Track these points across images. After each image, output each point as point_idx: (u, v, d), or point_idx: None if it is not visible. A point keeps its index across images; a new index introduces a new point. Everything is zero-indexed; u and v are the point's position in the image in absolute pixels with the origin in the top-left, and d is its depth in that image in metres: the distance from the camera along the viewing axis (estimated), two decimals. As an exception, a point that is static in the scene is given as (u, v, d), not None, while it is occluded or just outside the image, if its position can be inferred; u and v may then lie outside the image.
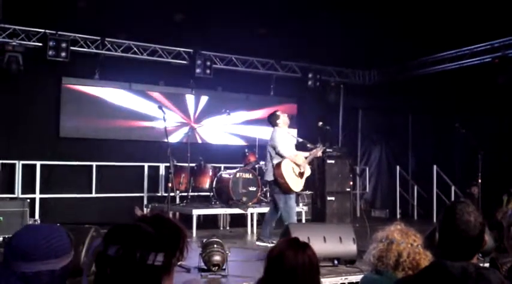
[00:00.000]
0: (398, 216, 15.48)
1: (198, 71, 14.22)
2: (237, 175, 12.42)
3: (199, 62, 14.28)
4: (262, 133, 10.11)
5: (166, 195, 11.80)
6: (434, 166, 15.03)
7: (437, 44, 14.34)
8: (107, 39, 13.49)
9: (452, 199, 13.96)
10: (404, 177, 16.48)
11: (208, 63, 14.42)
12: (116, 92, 14.06)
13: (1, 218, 10.31)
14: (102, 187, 13.29)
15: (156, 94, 14.35)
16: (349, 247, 8.12)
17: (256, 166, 12.89)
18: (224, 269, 7.41)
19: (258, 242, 9.85)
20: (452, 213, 2.71)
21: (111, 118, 14.01)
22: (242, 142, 15.20)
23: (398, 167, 16.42)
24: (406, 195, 16.32)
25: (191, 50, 14.38)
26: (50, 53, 12.55)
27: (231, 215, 12.88)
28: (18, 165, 12.40)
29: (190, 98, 14.87)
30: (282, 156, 9.63)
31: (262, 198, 12.75)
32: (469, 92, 14.51)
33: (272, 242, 9.00)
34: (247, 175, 12.40)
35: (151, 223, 2.77)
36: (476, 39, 13.76)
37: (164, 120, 9.81)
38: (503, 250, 3.36)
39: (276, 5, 12.53)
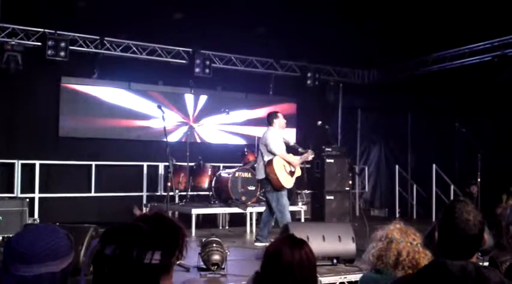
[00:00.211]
0: (397, 215, 15.46)
1: (197, 70, 14.23)
2: (236, 174, 12.43)
3: (198, 61, 14.28)
4: (262, 132, 10.09)
5: (165, 194, 11.80)
6: (434, 166, 15.04)
7: (436, 43, 14.33)
8: (106, 38, 13.50)
9: (452, 198, 13.94)
10: (404, 176, 16.47)
11: (208, 63, 14.43)
12: (115, 92, 14.06)
13: (0, 217, 10.31)
14: (101, 187, 13.29)
15: (155, 94, 14.35)
16: (349, 246, 8.12)
17: (255, 165, 12.89)
18: (223, 268, 7.41)
19: (256, 243, 9.85)
20: (451, 211, 2.71)
21: (110, 117, 14.00)
22: (241, 142, 15.19)
23: (397, 166, 16.42)
24: (405, 194, 16.32)
25: (190, 50, 14.38)
26: (49, 52, 12.55)
27: (230, 214, 12.89)
28: (18, 164, 12.39)
29: (189, 97, 14.86)
30: (273, 154, 9.69)
31: (261, 197, 12.74)
32: (469, 91, 14.51)
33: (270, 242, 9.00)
34: (246, 175, 12.40)
35: (150, 222, 2.77)
36: (476, 38, 13.76)
37: (163, 119, 9.81)
38: (503, 247, 3.35)
39: (275, 4, 12.52)
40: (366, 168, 17.72)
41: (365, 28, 13.56)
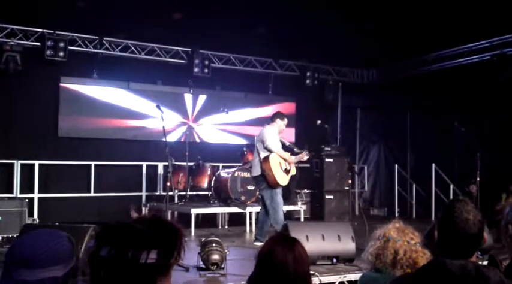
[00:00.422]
0: (396, 215, 15.46)
1: (196, 70, 14.23)
2: (236, 174, 12.43)
3: (197, 61, 14.29)
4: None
5: (164, 194, 11.79)
6: (433, 165, 15.04)
7: (435, 42, 14.32)
8: (104, 38, 13.49)
9: (451, 197, 13.94)
10: (403, 175, 16.48)
11: (207, 62, 14.43)
12: (114, 91, 14.05)
13: (0, 218, 10.30)
14: (101, 187, 13.29)
15: (154, 94, 14.33)
16: (348, 245, 8.12)
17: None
18: (223, 268, 7.41)
19: (255, 243, 9.86)
20: (451, 211, 2.70)
21: (110, 117, 14.00)
22: (240, 141, 15.18)
23: (396, 166, 16.43)
24: (404, 193, 16.32)
25: (189, 49, 14.38)
26: (48, 52, 12.55)
27: (230, 214, 12.89)
28: (17, 164, 12.39)
29: (188, 97, 14.85)
30: (269, 150, 9.72)
31: (260, 196, 12.74)
32: (468, 91, 14.51)
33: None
34: (246, 174, 12.38)
35: (147, 224, 2.77)
36: (475, 37, 13.75)
37: (162, 119, 9.81)
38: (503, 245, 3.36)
39: (274, 4, 12.51)
40: (365, 167, 17.73)
41: (364, 28, 13.54)
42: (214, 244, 7.50)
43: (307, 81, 15.95)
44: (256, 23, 13.28)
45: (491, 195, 11.98)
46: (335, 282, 7.45)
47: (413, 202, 16.03)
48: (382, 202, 17.48)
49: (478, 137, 11.89)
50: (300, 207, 12.99)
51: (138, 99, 14.25)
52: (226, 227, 12.91)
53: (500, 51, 13.39)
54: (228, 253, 7.57)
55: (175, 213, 12.14)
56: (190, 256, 7.28)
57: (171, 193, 12.17)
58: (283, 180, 9.81)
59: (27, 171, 12.57)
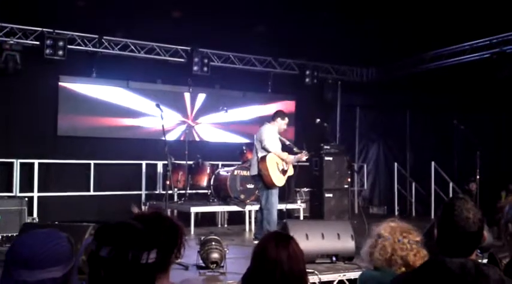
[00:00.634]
0: (396, 213, 15.46)
1: (195, 68, 14.22)
2: (235, 172, 12.43)
3: (196, 59, 14.28)
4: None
5: (164, 192, 11.80)
6: (433, 163, 15.04)
7: (435, 41, 14.32)
8: (104, 37, 13.49)
9: (451, 195, 13.94)
10: (403, 173, 16.48)
11: (206, 61, 14.42)
12: (113, 90, 14.04)
13: (-1, 217, 10.33)
14: (100, 186, 13.28)
15: (153, 93, 14.31)
16: (347, 243, 8.13)
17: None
18: (222, 266, 7.42)
19: (254, 241, 9.84)
20: (451, 209, 2.70)
21: (109, 116, 13.99)
22: (240, 140, 15.16)
23: (396, 164, 16.43)
24: (404, 191, 16.32)
25: (189, 48, 14.37)
26: (47, 51, 12.54)
27: (229, 212, 12.90)
28: (16, 163, 12.38)
29: (187, 96, 14.85)
30: (267, 150, 9.67)
31: (259, 195, 12.74)
32: (468, 89, 14.51)
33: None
34: (245, 173, 12.38)
35: (148, 221, 2.77)
36: (474, 35, 13.75)
37: (162, 118, 9.82)
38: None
39: (274, 3, 12.51)
40: (365, 166, 17.74)
41: (363, 26, 13.53)
42: (213, 243, 7.51)
43: (307, 80, 15.94)
44: (255, 22, 13.26)
45: (490, 193, 12.02)
46: (334, 280, 7.46)
47: (413, 200, 16.04)
48: (381, 200, 17.48)
49: (477, 135, 11.90)
50: (300, 206, 13.00)
51: (138, 97, 14.24)
52: (226, 225, 12.92)
53: (500, 49, 13.38)
54: (227, 251, 7.58)
55: (175, 211, 12.13)
56: (190, 254, 7.29)
57: (170, 191, 12.18)
58: (279, 180, 9.75)
59: (26, 170, 12.57)
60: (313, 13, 12.90)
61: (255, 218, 11.75)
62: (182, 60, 14.47)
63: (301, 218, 12.81)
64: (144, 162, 13.81)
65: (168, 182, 11.18)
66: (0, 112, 12.65)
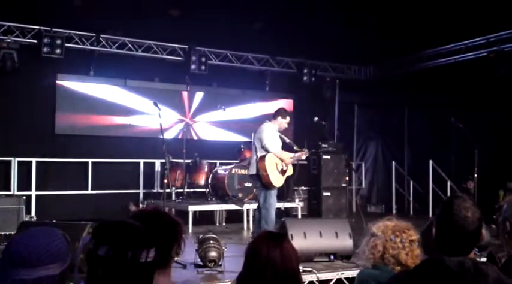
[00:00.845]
0: (394, 211, 15.46)
1: (193, 67, 14.21)
2: (233, 171, 12.42)
3: (194, 58, 14.27)
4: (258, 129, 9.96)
5: (162, 191, 11.77)
6: (430, 162, 15.04)
7: (432, 39, 14.34)
8: (101, 35, 13.48)
9: (448, 194, 13.94)
10: (400, 172, 16.49)
11: (204, 59, 14.41)
12: (111, 89, 14.05)
13: (-3, 215, 10.32)
14: (98, 184, 13.27)
15: (151, 91, 14.30)
16: (345, 242, 8.12)
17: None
18: (220, 265, 7.41)
19: (253, 240, 9.80)
20: (450, 208, 2.70)
21: (107, 114, 14.00)
22: (238, 138, 15.16)
23: (394, 162, 16.43)
24: (402, 190, 16.34)
25: (186, 46, 14.36)
26: (45, 49, 12.53)
27: (227, 211, 12.90)
28: (14, 162, 12.38)
29: (185, 94, 14.85)
30: (267, 150, 9.48)
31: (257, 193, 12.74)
32: (465, 87, 14.52)
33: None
34: (243, 171, 12.37)
35: (147, 218, 2.76)
36: (471, 33, 13.76)
37: (159, 116, 9.80)
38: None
39: (272, 1, 12.51)
40: (363, 164, 17.72)
41: (361, 24, 13.55)
42: (211, 241, 7.50)
43: (305, 78, 15.93)
44: (253, 20, 13.28)
45: (488, 192, 12.03)
46: (332, 279, 7.46)
47: (411, 198, 16.06)
48: (379, 198, 17.49)
49: (475, 133, 11.89)
50: (297, 204, 13.00)
51: (135, 96, 14.24)
52: (224, 224, 12.91)
53: (498, 47, 13.40)
54: (225, 250, 7.57)
55: (173, 210, 12.10)
56: (188, 253, 7.28)
57: (168, 190, 12.18)
58: (277, 181, 9.57)
59: (24, 168, 12.56)
60: (311, 11, 12.91)
61: (253, 216, 11.75)
62: (180, 58, 14.46)
63: (299, 216, 12.80)
64: (142, 161, 13.80)
65: (166, 181, 11.16)
66: (-2, 111, 12.66)
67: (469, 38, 14.00)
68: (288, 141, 10.18)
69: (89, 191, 13.19)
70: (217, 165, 13.61)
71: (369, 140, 18.18)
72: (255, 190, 12.20)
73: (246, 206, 12.12)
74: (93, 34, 13.39)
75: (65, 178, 13.11)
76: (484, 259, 3.38)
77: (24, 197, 11.22)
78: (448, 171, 15.04)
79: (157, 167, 13.87)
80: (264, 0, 12.40)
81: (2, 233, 10.02)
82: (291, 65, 16.14)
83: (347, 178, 13.05)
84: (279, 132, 9.83)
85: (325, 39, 14.20)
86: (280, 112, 9.81)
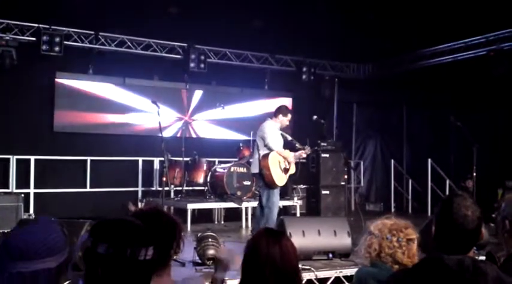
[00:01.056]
0: (392, 210, 15.48)
1: (192, 65, 14.19)
2: (232, 169, 12.42)
3: (193, 56, 14.25)
4: (257, 127, 9.88)
5: (160, 189, 11.79)
6: (429, 160, 15.03)
7: (432, 38, 14.33)
8: (100, 33, 13.45)
9: (447, 193, 13.95)
10: (399, 170, 16.50)
11: (203, 57, 14.39)
12: (109, 87, 14.03)
13: (-5, 213, 10.31)
14: (97, 182, 13.28)
15: (150, 89, 14.29)
16: (344, 240, 8.13)
17: (251, 160, 12.86)
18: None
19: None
20: (449, 206, 2.69)
21: (105, 113, 13.99)
22: (236, 137, 15.16)
23: (393, 161, 16.43)
24: (400, 188, 16.34)
25: (185, 44, 14.34)
26: (44, 47, 12.50)
27: (226, 209, 12.90)
28: (12, 159, 12.38)
29: (184, 93, 14.83)
30: (270, 149, 9.34)
31: (256, 192, 12.71)
32: (464, 86, 14.52)
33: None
34: (242, 169, 12.39)
35: (146, 217, 2.76)
36: (471, 32, 13.75)
37: (158, 114, 9.79)
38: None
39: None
40: (362, 163, 17.72)
41: (360, 23, 13.55)
42: (210, 239, 7.51)
43: (304, 76, 15.92)
44: (252, 18, 13.27)
45: (487, 190, 12.02)
46: (331, 277, 7.46)
47: (409, 197, 16.07)
48: (378, 197, 17.49)
49: (474, 132, 11.88)
50: (296, 202, 12.98)
51: (134, 94, 14.23)
52: (223, 222, 12.91)
53: (497, 46, 13.39)
54: (224, 248, 7.56)
55: (172, 208, 12.11)
56: (186, 251, 7.26)
57: (167, 188, 12.18)
58: (280, 180, 9.45)
59: (23, 166, 12.56)
60: (310, 10, 12.91)
61: (252, 215, 11.75)
62: (179, 56, 14.44)
63: (298, 215, 12.79)
64: (140, 159, 13.81)
65: (164, 179, 11.16)
66: (-4, 108, 12.64)
67: (468, 36, 13.98)
68: (290, 138, 10.06)
69: (88, 189, 13.19)
70: (216, 163, 13.59)
71: (367, 138, 18.18)
72: (253, 188, 12.24)
73: (244, 204, 12.12)
74: (92, 32, 13.37)
75: (63, 176, 13.10)
76: (482, 258, 3.38)
77: (23, 195, 11.23)
78: (447, 169, 15.03)
79: (156, 165, 13.87)
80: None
81: (1, 231, 10.02)
82: (290, 63, 16.13)
83: (346, 176, 13.06)
84: (280, 129, 9.75)
85: (325, 38, 14.20)
86: (282, 110, 9.67)
